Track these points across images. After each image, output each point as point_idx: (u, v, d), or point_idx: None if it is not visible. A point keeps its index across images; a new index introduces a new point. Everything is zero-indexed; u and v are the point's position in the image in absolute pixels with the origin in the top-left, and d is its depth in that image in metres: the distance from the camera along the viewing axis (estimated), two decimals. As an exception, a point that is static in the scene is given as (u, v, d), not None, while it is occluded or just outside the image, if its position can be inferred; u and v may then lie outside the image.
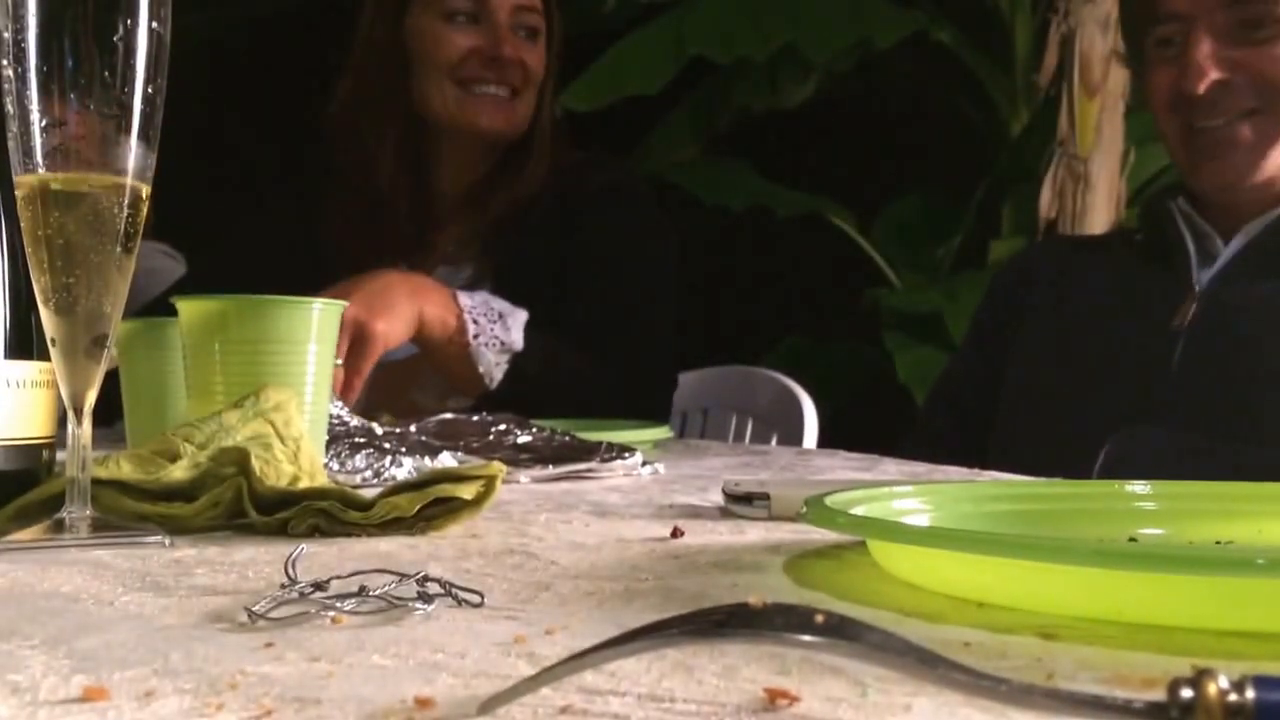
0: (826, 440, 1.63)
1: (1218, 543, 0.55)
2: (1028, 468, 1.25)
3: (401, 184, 1.65)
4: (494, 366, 1.39)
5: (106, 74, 0.57)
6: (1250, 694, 0.26)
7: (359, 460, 0.89)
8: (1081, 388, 1.29)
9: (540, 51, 1.65)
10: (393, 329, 1.30)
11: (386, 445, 0.93)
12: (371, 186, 1.65)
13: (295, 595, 0.43)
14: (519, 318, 1.42)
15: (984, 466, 1.24)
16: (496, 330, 1.39)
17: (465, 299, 1.40)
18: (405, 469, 0.89)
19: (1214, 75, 1.23)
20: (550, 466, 0.95)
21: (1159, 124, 1.33)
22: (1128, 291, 1.33)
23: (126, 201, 0.59)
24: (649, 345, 1.61)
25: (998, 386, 1.39)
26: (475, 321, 1.39)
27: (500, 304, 1.42)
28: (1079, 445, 1.23)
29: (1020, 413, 1.34)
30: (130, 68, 0.57)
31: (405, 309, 1.33)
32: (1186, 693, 0.27)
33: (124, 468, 0.65)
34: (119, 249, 0.59)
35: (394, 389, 1.47)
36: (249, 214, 1.86)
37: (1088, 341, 1.32)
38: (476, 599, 0.44)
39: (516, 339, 1.40)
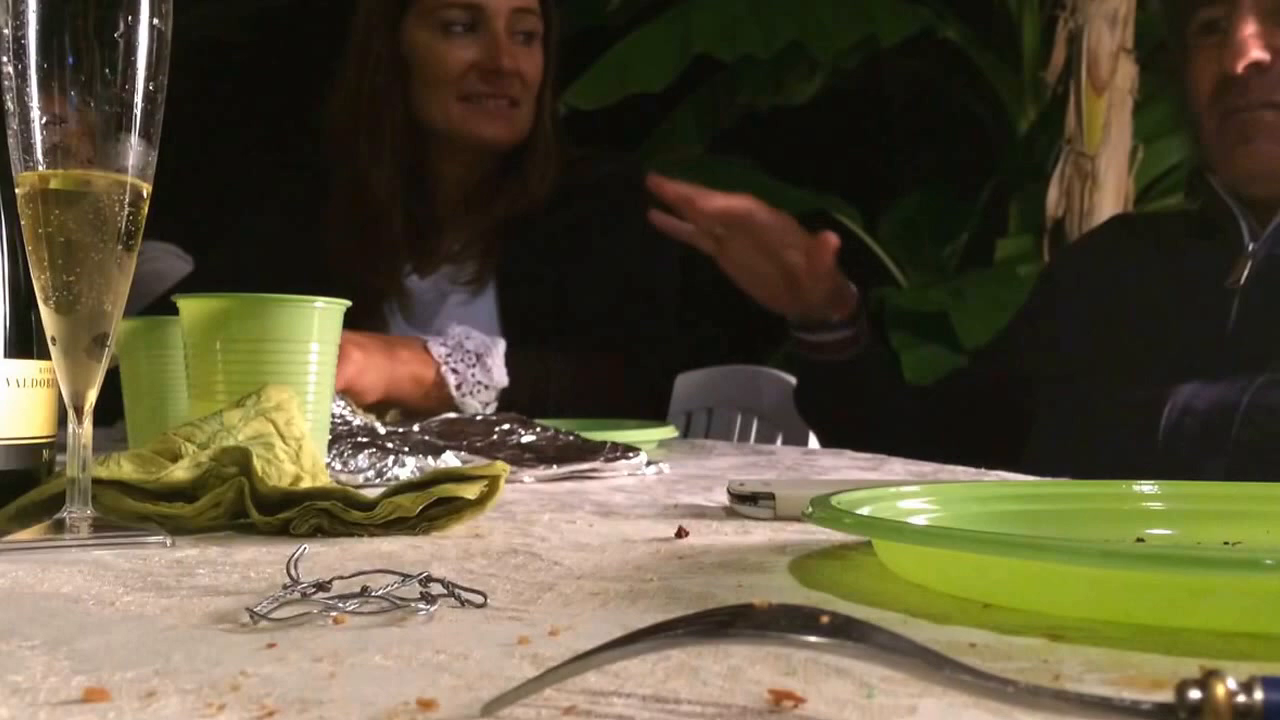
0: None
1: (1226, 543, 0.55)
2: (1085, 435, 1.26)
3: (400, 190, 1.63)
4: (483, 408, 1.37)
5: (107, 71, 0.57)
6: (1259, 695, 0.26)
7: (362, 460, 0.89)
8: (1138, 350, 1.30)
9: (538, 56, 1.63)
10: (365, 375, 1.28)
11: (389, 445, 0.93)
12: (369, 192, 1.63)
13: (297, 596, 0.43)
14: (497, 352, 1.39)
15: (1029, 438, 1.26)
16: (477, 374, 1.37)
17: (438, 348, 1.37)
18: (408, 468, 0.89)
19: (1255, 54, 1.23)
20: (554, 466, 0.94)
21: (1196, 116, 1.32)
22: (1180, 257, 1.34)
23: (127, 199, 0.59)
24: (650, 338, 1.60)
25: (1043, 361, 1.40)
26: (455, 371, 1.36)
27: (475, 341, 1.39)
28: (1137, 409, 1.23)
29: (1075, 379, 1.35)
30: (131, 65, 0.57)
31: (381, 362, 1.31)
32: (1194, 694, 0.27)
33: (125, 468, 0.65)
34: (120, 247, 0.59)
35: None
36: (249, 215, 1.85)
37: (1140, 308, 1.32)
38: (480, 599, 0.43)
39: (500, 377, 1.38)
